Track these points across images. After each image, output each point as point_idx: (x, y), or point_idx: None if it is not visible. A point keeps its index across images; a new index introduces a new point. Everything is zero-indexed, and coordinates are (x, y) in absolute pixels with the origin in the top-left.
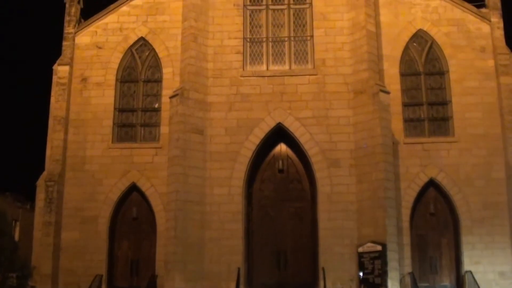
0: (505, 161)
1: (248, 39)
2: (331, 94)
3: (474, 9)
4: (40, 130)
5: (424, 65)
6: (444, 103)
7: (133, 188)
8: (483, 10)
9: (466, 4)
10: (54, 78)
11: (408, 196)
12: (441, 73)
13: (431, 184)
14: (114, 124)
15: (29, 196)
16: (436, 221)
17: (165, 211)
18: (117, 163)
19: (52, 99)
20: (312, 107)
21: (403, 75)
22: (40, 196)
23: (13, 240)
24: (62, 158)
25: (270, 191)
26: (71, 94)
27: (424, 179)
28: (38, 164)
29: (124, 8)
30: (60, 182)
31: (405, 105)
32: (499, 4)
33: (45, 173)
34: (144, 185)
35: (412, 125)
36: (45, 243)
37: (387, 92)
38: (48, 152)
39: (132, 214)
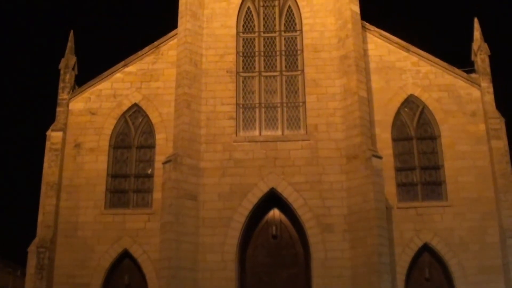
0: (499, 225)
1: (241, 105)
2: (324, 159)
3: (464, 74)
4: (32, 195)
5: (416, 130)
6: (437, 167)
7: (125, 255)
8: (473, 75)
9: (456, 70)
10: (47, 144)
11: (403, 261)
12: (433, 138)
13: (426, 248)
14: (106, 190)
15: (20, 263)
16: (431, 287)
17: (158, 278)
18: (109, 229)
19: (45, 165)
20: (305, 172)
21: (395, 140)
22: (31, 262)
23: None
24: (54, 224)
25: (263, 257)
26: (64, 160)
27: (418, 244)
28: (29, 230)
29: (118, 75)
30: (51, 248)
31: (397, 169)
32: (488, 69)
33: (36, 239)
34: (136, 252)
35: (405, 189)
36: None
37: (380, 157)
38: (40, 218)
39: (124, 281)
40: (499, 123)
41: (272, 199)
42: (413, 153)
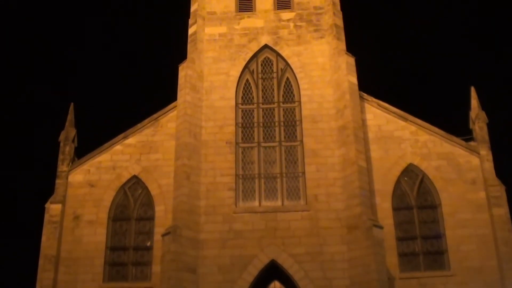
0: None
1: (241, 176)
2: (325, 230)
3: (463, 143)
4: (30, 268)
5: (416, 199)
6: (438, 236)
7: None
8: (472, 143)
9: (455, 138)
10: (46, 216)
11: None
12: (434, 207)
13: None
14: (105, 263)
15: None
16: None
17: None
18: None
19: (44, 238)
20: (305, 243)
21: (395, 209)
22: None
23: None
24: None
25: None
26: (62, 232)
27: None
28: None
29: (118, 147)
30: None
31: (399, 239)
32: (487, 137)
33: None
34: None
35: (407, 259)
36: None
37: (381, 227)
38: None
39: None
40: (499, 190)
41: (273, 271)
42: (414, 222)
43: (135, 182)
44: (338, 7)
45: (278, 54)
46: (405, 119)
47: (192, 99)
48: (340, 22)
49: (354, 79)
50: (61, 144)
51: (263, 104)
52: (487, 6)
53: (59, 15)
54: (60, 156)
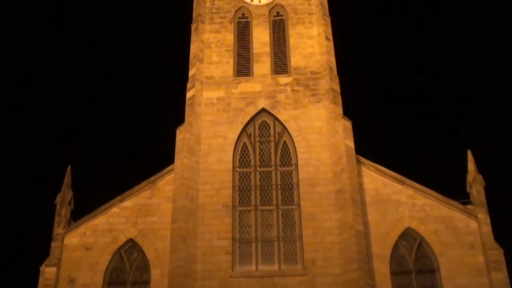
0: None
1: (237, 240)
2: None
3: (461, 206)
4: None
5: (415, 263)
6: None
7: None
8: (469, 206)
9: (452, 202)
10: (41, 280)
11: None
12: (432, 271)
13: None
14: None
15: None
16: None
17: None
18: None
19: None
20: None
21: (393, 273)
22: None
23: None
24: None
25: None
26: None
27: None
28: None
29: (114, 210)
30: None
31: None
32: (484, 201)
33: None
34: None
35: None
36: None
37: None
38: None
39: None
40: (498, 254)
41: None
42: (413, 286)
43: (131, 245)
44: (335, 72)
45: (275, 118)
46: (402, 183)
47: (189, 162)
48: (336, 86)
49: (351, 143)
50: (57, 206)
51: (260, 167)
52: (484, 72)
53: (61, 76)
54: (56, 219)
